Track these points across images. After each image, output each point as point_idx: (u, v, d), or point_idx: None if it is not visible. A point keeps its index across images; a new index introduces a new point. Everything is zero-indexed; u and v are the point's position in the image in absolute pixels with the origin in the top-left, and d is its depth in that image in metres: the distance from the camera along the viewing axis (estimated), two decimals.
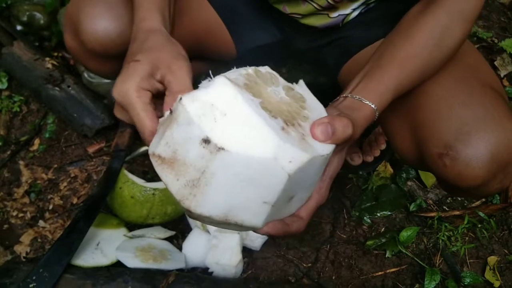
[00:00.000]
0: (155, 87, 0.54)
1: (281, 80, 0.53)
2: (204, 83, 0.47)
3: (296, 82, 0.55)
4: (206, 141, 0.43)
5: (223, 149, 0.42)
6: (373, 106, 0.58)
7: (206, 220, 0.47)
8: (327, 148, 0.48)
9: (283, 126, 0.45)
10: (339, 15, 0.81)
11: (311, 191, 0.54)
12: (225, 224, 0.47)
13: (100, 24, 0.73)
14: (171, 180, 0.45)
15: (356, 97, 0.58)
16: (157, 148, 0.47)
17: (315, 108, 0.52)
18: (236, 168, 0.43)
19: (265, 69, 0.52)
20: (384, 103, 0.60)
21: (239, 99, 0.43)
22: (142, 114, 0.52)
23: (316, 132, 0.47)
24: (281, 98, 0.49)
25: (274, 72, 0.53)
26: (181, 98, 0.45)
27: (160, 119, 0.51)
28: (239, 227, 0.48)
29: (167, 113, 0.49)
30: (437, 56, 0.64)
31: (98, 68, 0.83)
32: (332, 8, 0.80)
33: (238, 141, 0.42)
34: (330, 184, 0.57)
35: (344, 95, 0.60)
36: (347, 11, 0.81)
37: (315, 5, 0.79)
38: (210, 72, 0.50)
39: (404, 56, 0.62)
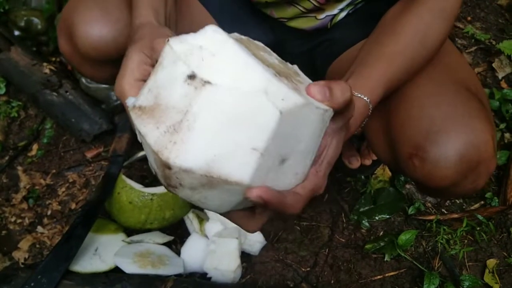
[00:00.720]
0: (148, 71, 0.51)
1: (275, 54, 0.49)
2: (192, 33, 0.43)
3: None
4: (191, 76, 0.39)
5: (209, 83, 0.38)
6: (365, 98, 0.58)
7: (185, 183, 0.41)
8: (324, 106, 0.43)
9: (275, 73, 0.40)
10: (326, 16, 0.82)
11: (306, 164, 0.47)
12: (207, 188, 0.41)
13: (94, 28, 0.72)
14: (151, 130, 0.40)
15: None
16: (138, 99, 0.42)
17: (307, 82, 0.47)
18: (222, 105, 0.38)
19: (261, 43, 0.49)
20: (376, 97, 0.60)
21: (230, 41, 0.40)
22: None
23: (312, 91, 0.43)
24: (274, 63, 0.46)
25: (269, 49, 0.49)
26: (168, 40, 0.41)
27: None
28: (223, 191, 0.42)
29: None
30: (422, 52, 0.65)
31: (92, 73, 0.83)
32: (318, 10, 0.80)
33: (226, 76, 0.38)
34: (328, 170, 0.52)
35: None
36: (334, 11, 0.81)
37: (301, 8, 0.79)
38: None
39: (391, 52, 0.63)
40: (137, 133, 0.44)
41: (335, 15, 0.82)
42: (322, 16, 0.82)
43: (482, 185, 0.66)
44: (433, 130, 0.62)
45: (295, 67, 0.50)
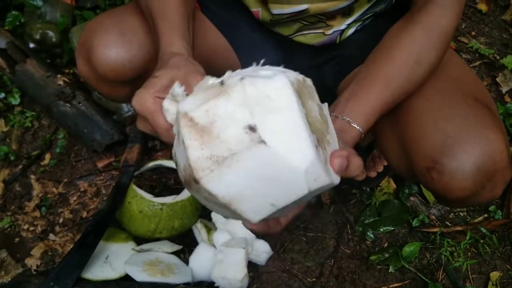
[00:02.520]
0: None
1: (317, 97, 0.53)
2: (256, 68, 0.49)
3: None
4: (252, 128, 0.43)
5: (264, 142, 0.43)
6: (359, 129, 0.63)
7: (205, 197, 0.47)
8: (337, 179, 0.49)
9: (317, 145, 0.46)
10: (334, 31, 0.84)
11: (298, 208, 0.57)
12: (221, 208, 0.48)
13: (112, 51, 0.75)
14: (194, 147, 0.45)
15: (345, 118, 0.63)
16: (194, 111, 0.46)
17: (332, 135, 0.53)
18: (267, 165, 0.44)
19: (310, 81, 0.52)
20: (369, 123, 0.64)
21: (294, 104, 0.44)
22: (157, 115, 0.54)
23: (335, 163, 0.49)
24: (316, 116, 0.50)
25: (314, 87, 0.53)
26: (242, 78, 0.45)
27: (199, 83, 0.51)
28: (232, 215, 0.48)
29: (212, 80, 0.49)
30: (418, 72, 0.67)
31: (110, 93, 0.86)
32: (326, 25, 0.83)
33: (281, 142, 0.43)
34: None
35: (335, 115, 0.64)
36: (342, 27, 0.84)
37: (305, 22, 0.82)
38: (262, 61, 0.51)
39: (385, 76, 0.66)
40: (174, 128, 0.49)
41: (343, 30, 0.84)
42: (330, 31, 0.84)
43: (499, 194, 0.67)
44: (448, 143, 0.64)
45: (325, 108, 0.55)
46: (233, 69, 0.52)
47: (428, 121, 0.67)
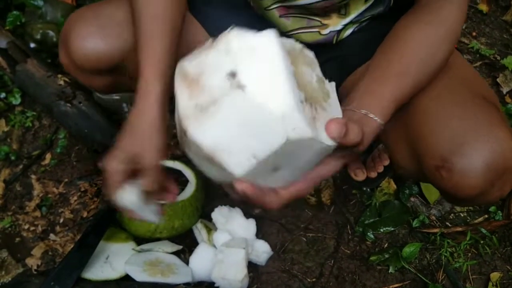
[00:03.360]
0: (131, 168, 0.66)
1: (318, 70, 0.54)
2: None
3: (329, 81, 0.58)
4: (233, 74, 0.44)
5: (243, 87, 0.43)
6: (379, 120, 0.62)
7: (195, 152, 0.48)
8: (328, 140, 0.49)
9: (302, 100, 0.46)
10: (330, 31, 0.84)
11: (296, 176, 0.55)
12: (207, 162, 0.48)
13: (89, 42, 0.77)
14: (183, 97, 0.46)
15: (363, 111, 0.62)
16: (189, 64, 0.48)
17: (335, 107, 0.54)
18: (245, 112, 0.44)
19: (311, 54, 0.54)
20: (387, 116, 0.64)
21: (279, 55, 0.45)
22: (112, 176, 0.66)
23: (331, 127, 0.49)
24: (310, 82, 0.51)
25: (316, 60, 0.54)
26: (229, 31, 0.47)
27: (201, 48, 0.52)
28: (219, 170, 0.48)
29: (209, 40, 0.50)
30: (427, 68, 0.67)
31: (89, 82, 0.89)
32: (320, 24, 0.82)
33: (259, 88, 0.43)
34: (316, 182, 0.58)
35: (351, 109, 0.63)
36: (338, 27, 0.83)
37: (298, 15, 0.81)
38: None
39: (399, 69, 0.66)
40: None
41: (340, 31, 0.84)
42: (326, 31, 0.84)
43: (508, 191, 0.68)
44: (457, 141, 0.64)
45: (332, 85, 0.56)
46: None
47: (436, 119, 0.68)
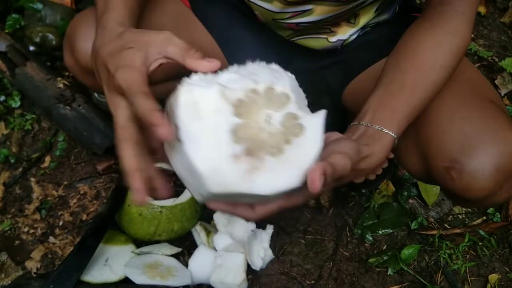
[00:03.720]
0: (152, 65, 0.56)
1: (292, 107, 0.52)
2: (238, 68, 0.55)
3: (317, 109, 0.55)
4: (177, 128, 0.49)
5: (182, 143, 0.48)
6: (393, 134, 0.62)
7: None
8: (268, 191, 0.49)
9: (237, 155, 0.48)
10: (338, 40, 0.85)
11: (275, 202, 0.54)
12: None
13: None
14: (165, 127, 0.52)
15: (376, 126, 0.62)
16: (170, 98, 0.52)
17: (310, 142, 0.51)
18: (185, 161, 0.49)
19: (282, 89, 0.52)
20: (401, 129, 0.63)
21: (215, 111, 0.49)
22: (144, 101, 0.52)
23: (309, 183, 0.48)
24: (268, 125, 0.50)
25: (291, 94, 0.52)
26: (185, 84, 0.50)
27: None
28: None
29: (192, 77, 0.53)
30: (442, 76, 0.67)
31: (93, 84, 0.88)
32: (329, 31, 0.83)
33: (192, 144, 0.48)
34: (306, 195, 0.55)
35: (364, 124, 0.63)
36: (345, 36, 0.84)
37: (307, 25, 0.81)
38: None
39: (413, 82, 0.65)
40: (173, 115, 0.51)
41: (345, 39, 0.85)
42: (334, 39, 0.84)
43: None
44: (467, 143, 0.65)
45: (319, 114, 0.53)
46: (220, 70, 0.54)
47: (446, 121, 0.68)
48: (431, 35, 0.68)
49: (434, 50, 0.67)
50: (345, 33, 0.84)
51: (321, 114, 0.52)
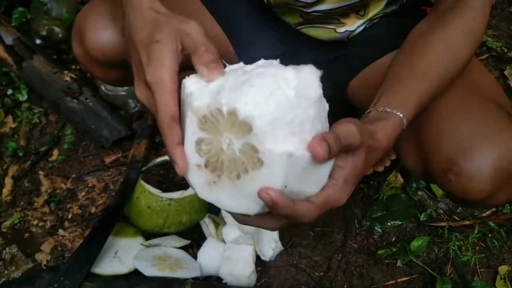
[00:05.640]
0: (180, 60, 0.54)
1: (253, 137, 0.45)
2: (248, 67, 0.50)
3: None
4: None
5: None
6: (400, 114, 0.58)
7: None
8: (227, 206, 0.49)
9: (199, 165, 0.49)
10: (345, 31, 0.84)
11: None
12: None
13: (103, 34, 0.76)
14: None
15: (380, 109, 0.59)
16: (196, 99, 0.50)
17: (265, 181, 0.46)
18: None
19: (246, 114, 0.44)
20: (409, 111, 0.60)
21: (194, 124, 0.48)
22: (170, 98, 0.51)
23: (311, 148, 0.44)
24: (228, 149, 0.47)
25: (257, 122, 0.44)
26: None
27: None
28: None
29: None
30: (452, 70, 0.66)
31: (102, 75, 0.87)
32: (338, 22, 0.82)
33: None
34: (346, 184, 0.51)
35: (367, 111, 0.61)
36: (353, 27, 0.84)
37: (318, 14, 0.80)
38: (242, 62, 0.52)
39: (421, 71, 0.64)
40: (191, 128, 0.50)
41: (353, 30, 0.84)
42: (341, 30, 0.83)
43: None
44: (466, 145, 0.63)
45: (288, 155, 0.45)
46: (228, 60, 0.52)
47: (446, 123, 0.67)
48: (443, 30, 0.66)
49: (445, 44, 0.65)
50: (353, 24, 0.83)
51: (292, 152, 0.44)
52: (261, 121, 0.44)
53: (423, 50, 0.66)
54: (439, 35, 0.66)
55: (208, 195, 0.50)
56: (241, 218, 0.52)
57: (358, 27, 0.84)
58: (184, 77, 0.52)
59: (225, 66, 0.52)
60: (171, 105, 0.51)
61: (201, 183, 0.49)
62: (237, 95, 0.45)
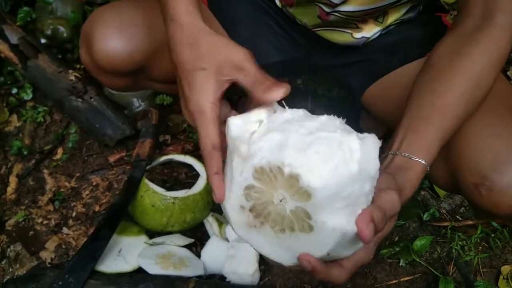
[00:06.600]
0: (224, 89, 0.55)
1: (310, 205, 0.46)
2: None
3: None
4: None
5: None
6: (423, 162, 0.58)
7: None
8: (262, 249, 0.52)
9: (243, 207, 0.50)
10: (362, 36, 0.83)
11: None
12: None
13: (110, 44, 0.76)
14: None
15: (405, 154, 0.58)
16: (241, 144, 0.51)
17: (310, 247, 0.48)
18: None
19: (309, 184, 0.45)
20: (432, 156, 0.59)
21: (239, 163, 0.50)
22: (211, 128, 0.53)
23: (360, 230, 0.45)
24: (278, 204, 0.48)
25: (317, 193, 0.45)
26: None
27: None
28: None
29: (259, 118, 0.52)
30: (477, 96, 0.64)
31: (109, 82, 0.88)
32: (355, 27, 0.82)
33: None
34: (375, 246, 0.54)
35: (391, 153, 0.59)
36: (370, 34, 0.83)
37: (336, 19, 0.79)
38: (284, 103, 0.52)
39: (445, 104, 0.61)
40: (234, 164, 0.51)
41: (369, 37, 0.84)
42: (358, 35, 0.83)
43: None
44: (498, 160, 0.63)
45: (337, 230, 0.46)
46: None
47: (476, 137, 0.66)
48: (466, 53, 0.63)
49: (469, 69, 0.62)
50: (370, 31, 0.82)
51: (346, 230, 0.46)
52: (321, 194, 0.44)
53: (446, 78, 0.63)
54: (467, 63, 0.63)
55: (245, 234, 0.52)
56: (274, 263, 0.53)
57: (375, 33, 0.83)
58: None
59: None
60: (212, 134, 0.52)
61: (241, 223, 0.51)
62: (301, 160, 0.45)
